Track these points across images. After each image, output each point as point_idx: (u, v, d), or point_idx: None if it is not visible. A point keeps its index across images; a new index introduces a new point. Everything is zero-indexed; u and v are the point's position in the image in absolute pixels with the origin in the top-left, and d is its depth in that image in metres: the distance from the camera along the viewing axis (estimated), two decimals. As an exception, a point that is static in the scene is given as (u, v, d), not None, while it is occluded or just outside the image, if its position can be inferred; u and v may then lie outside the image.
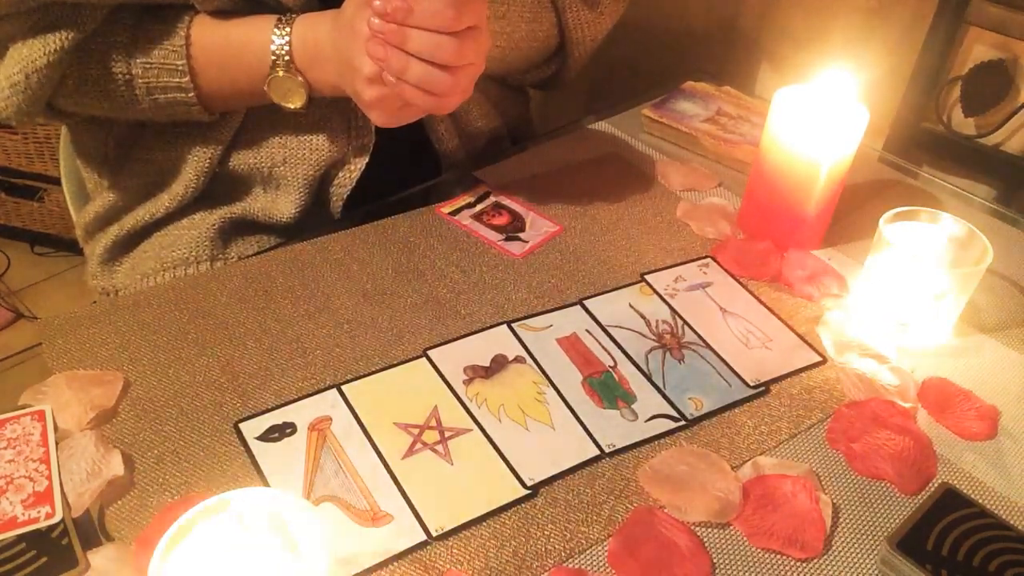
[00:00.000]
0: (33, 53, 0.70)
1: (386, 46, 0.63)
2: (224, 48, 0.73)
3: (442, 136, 0.87)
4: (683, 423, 0.63)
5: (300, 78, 0.73)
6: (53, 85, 0.72)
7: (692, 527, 0.56)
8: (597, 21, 0.90)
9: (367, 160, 0.81)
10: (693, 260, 0.78)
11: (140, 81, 0.73)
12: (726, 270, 0.77)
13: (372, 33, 0.63)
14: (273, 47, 0.72)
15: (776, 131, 0.74)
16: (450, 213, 0.80)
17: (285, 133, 0.80)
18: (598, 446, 0.61)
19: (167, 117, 0.78)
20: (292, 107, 0.75)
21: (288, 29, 0.72)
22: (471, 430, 0.61)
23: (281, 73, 0.72)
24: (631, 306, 0.72)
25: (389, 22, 0.62)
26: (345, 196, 0.83)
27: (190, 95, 0.74)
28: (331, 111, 0.79)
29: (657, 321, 0.71)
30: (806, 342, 0.70)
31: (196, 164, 0.80)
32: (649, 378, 0.66)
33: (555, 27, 0.89)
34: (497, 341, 0.68)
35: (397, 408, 0.62)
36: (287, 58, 0.72)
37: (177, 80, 0.73)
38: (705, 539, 0.55)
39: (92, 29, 0.71)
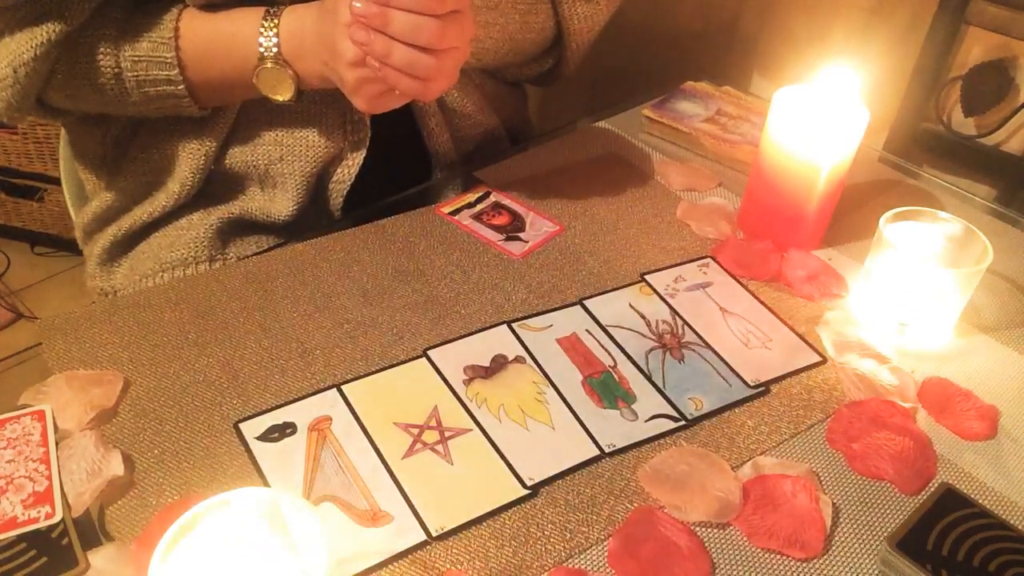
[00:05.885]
0: (20, 47, 0.70)
1: (368, 30, 0.63)
2: (212, 41, 0.74)
3: (433, 131, 0.86)
4: (683, 423, 0.63)
5: (288, 70, 0.73)
6: (42, 79, 0.72)
7: (692, 527, 0.56)
8: (594, 13, 0.89)
9: (364, 155, 0.81)
10: (693, 260, 0.78)
11: (129, 74, 0.73)
12: (726, 270, 0.77)
13: (354, 17, 0.63)
14: (261, 39, 0.72)
15: (776, 131, 0.74)
16: (450, 213, 0.80)
17: (280, 130, 0.80)
18: (598, 446, 0.61)
19: (158, 112, 0.78)
20: (281, 99, 0.75)
21: (276, 21, 0.72)
22: (471, 430, 0.61)
23: (269, 65, 0.73)
24: (631, 306, 0.72)
25: (371, 4, 0.62)
26: (345, 192, 0.83)
27: (180, 88, 0.74)
28: (326, 107, 0.79)
29: (657, 321, 0.71)
30: (806, 342, 0.70)
31: (191, 161, 0.80)
32: (649, 378, 0.66)
33: (551, 19, 0.89)
34: (497, 341, 0.68)
35: (397, 408, 0.62)
36: (275, 50, 0.72)
37: (166, 73, 0.74)
38: (705, 539, 0.55)
39: (80, 23, 0.71)
